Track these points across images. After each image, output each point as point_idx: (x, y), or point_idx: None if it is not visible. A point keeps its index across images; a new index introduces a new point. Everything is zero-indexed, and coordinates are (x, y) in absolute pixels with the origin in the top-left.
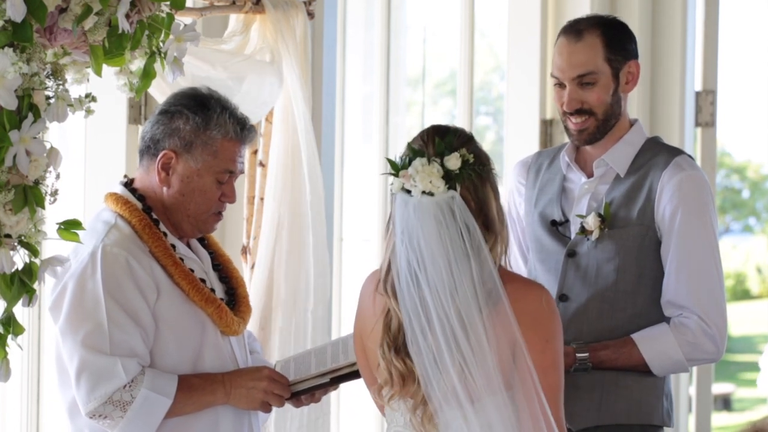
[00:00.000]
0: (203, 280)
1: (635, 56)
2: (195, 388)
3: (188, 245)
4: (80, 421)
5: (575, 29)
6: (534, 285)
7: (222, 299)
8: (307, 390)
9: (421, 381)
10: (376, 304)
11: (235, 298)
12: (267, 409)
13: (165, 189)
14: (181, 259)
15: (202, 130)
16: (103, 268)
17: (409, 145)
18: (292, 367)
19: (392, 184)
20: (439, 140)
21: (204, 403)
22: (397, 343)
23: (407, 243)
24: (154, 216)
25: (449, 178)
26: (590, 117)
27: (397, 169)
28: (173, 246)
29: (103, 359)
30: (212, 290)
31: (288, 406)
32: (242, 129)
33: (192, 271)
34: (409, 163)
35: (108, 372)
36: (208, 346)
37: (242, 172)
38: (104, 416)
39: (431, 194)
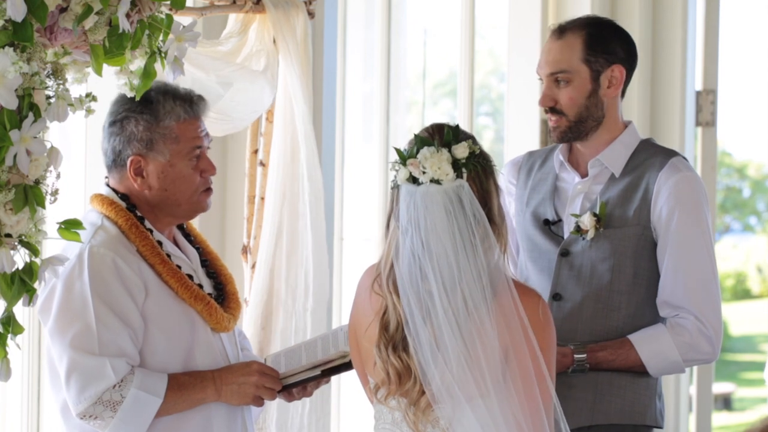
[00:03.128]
0: (191, 276)
1: (622, 61)
2: (185, 386)
3: (175, 242)
4: (73, 422)
5: (561, 28)
6: (531, 292)
7: (210, 294)
8: (298, 383)
9: (420, 374)
10: (373, 302)
11: (224, 294)
12: (259, 403)
13: (146, 192)
14: (168, 256)
15: (155, 125)
16: (90, 268)
17: (416, 135)
18: (282, 360)
19: (396, 175)
20: (448, 130)
21: (195, 401)
22: (394, 341)
23: (413, 233)
24: (139, 214)
25: (457, 167)
26: (561, 117)
27: (404, 158)
28: (159, 243)
29: (92, 360)
30: (200, 286)
31: (285, 404)
32: (191, 105)
33: (179, 267)
34: (417, 152)
35: (97, 372)
36: (199, 343)
37: (210, 141)
38: (95, 417)
39: (439, 183)
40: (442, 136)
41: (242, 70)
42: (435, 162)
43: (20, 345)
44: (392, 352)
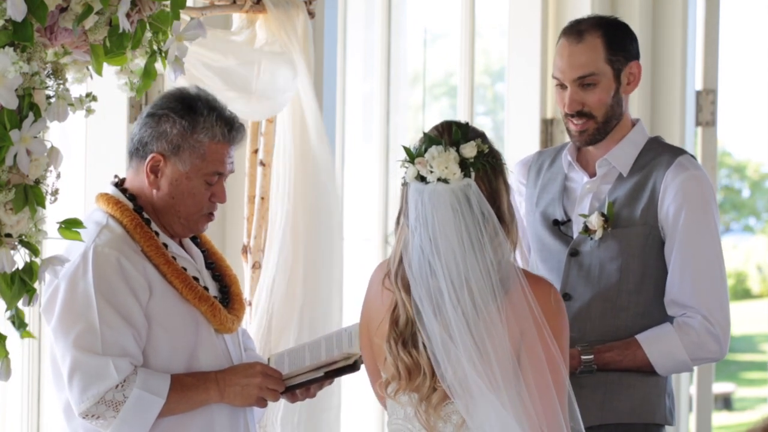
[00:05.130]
0: (196, 279)
1: (636, 57)
2: (188, 387)
3: (180, 244)
4: (76, 422)
5: (576, 30)
6: (542, 281)
7: (215, 297)
8: (301, 384)
9: (435, 370)
10: (384, 298)
11: (228, 296)
12: (263, 404)
13: (154, 191)
14: (174, 258)
15: (189, 134)
16: (95, 268)
17: (426, 134)
18: (286, 361)
19: (405, 173)
20: (456, 129)
21: (197, 402)
22: (404, 336)
23: (421, 231)
24: (146, 216)
25: (464, 166)
26: (590, 120)
27: (412, 156)
28: (165, 245)
29: (94, 359)
30: (206, 288)
31: (287, 402)
32: (230, 130)
33: (185, 269)
34: (425, 151)
35: (100, 372)
36: (203, 344)
37: (231, 171)
38: (97, 416)
39: (446, 182)
40: (450, 134)
41: (259, 51)
42: (442, 161)
43: (21, 340)
44: (402, 348)
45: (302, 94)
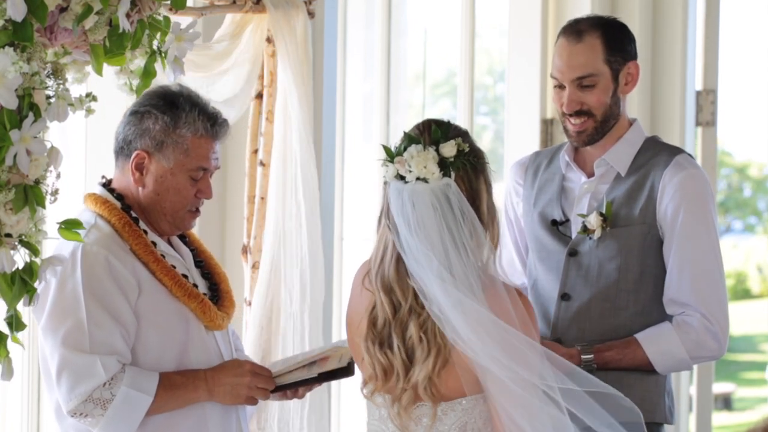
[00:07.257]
0: (185, 276)
1: (634, 57)
2: (177, 385)
3: (169, 243)
4: (67, 423)
5: (575, 30)
6: (508, 289)
7: (205, 294)
8: (292, 384)
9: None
10: (363, 298)
11: (218, 293)
12: (253, 402)
13: (140, 189)
14: (163, 256)
15: (172, 129)
16: (83, 266)
17: (406, 133)
18: (279, 364)
19: (386, 172)
20: (435, 128)
21: (186, 401)
22: (381, 337)
23: (402, 230)
24: (133, 214)
25: (444, 166)
26: (589, 118)
27: (392, 155)
28: (154, 243)
29: (82, 357)
30: (195, 286)
31: (285, 403)
32: (213, 125)
33: (174, 267)
34: (404, 150)
35: (88, 370)
36: (193, 341)
37: (217, 168)
38: (85, 414)
39: (425, 181)
40: (430, 133)
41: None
42: (420, 161)
43: (22, 343)
44: (378, 349)
45: (288, 96)
